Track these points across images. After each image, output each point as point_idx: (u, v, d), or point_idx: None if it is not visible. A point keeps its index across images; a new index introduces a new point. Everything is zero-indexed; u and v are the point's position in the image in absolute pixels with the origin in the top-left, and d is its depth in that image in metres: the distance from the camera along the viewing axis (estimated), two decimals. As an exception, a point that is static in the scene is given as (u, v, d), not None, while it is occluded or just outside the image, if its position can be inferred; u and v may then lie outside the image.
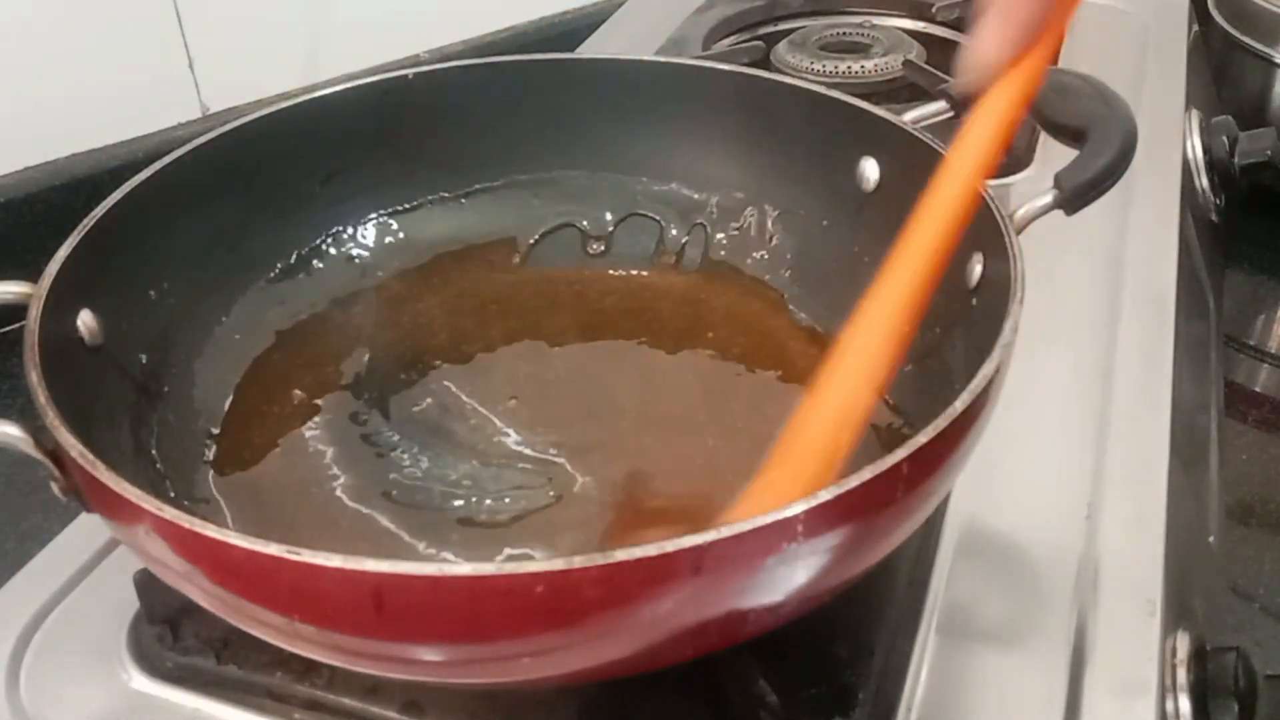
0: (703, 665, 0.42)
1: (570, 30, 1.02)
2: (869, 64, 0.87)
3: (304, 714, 0.44)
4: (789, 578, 0.35)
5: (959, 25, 0.96)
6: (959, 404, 0.37)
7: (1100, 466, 0.54)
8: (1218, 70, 1.00)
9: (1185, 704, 0.44)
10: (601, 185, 0.65)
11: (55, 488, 0.40)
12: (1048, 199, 0.48)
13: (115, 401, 0.48)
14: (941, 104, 0.56)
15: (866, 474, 0.35)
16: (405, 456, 0.52)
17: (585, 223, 0.65)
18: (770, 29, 0.98)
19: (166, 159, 0.54)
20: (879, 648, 0.45)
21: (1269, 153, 0.82)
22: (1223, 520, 0.66)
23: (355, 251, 0.64)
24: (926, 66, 0.84)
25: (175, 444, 0.50)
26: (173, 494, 0.48)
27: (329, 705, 0.44)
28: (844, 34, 0.93)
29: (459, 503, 0.50)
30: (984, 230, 0.47)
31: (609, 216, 0.65)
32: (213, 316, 0.56)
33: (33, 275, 0.45)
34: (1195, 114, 0.84)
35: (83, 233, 0.48)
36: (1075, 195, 0.48)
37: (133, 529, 0.36)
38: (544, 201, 0.65)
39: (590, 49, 0.96)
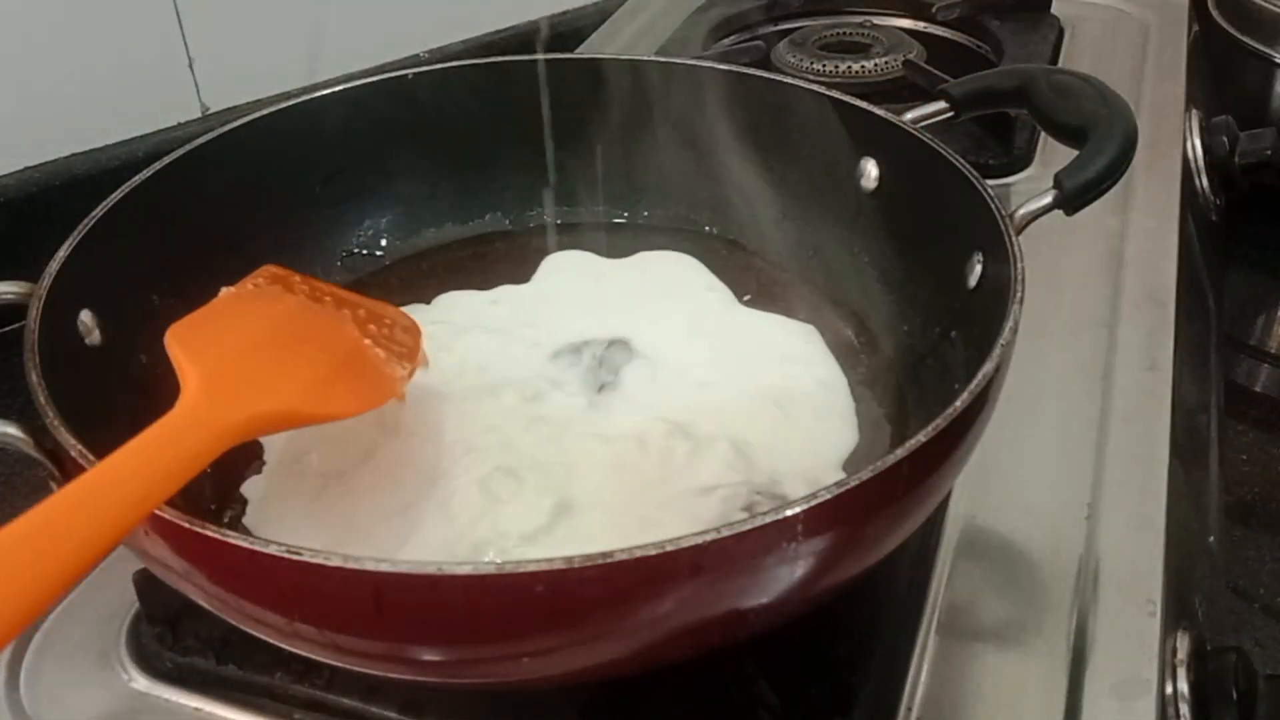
0: (703, 665, 0.42)
1: (570, 30, 1.02)
2: (869, 64, 0.87)
3: (304, 714, 0.44)
4: (789, 577, 0.35)
5: (959, 25, 0.96)
6: (959, 404, 0.37)
7: (1100, 466, 0.54)
8: (1218, 70, 1.00)
9: (1185, 704, 0.44)
10: (601, 185, 0.65)
11: (55, 488, 0.40)
12: (1048, 199, 0.48)
13: (115, 401, 0.48)
14: (941, 104, 0.56)
15: (866, 474, 0.35)
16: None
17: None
18: (770, 29, 0.98)
19: (166, 159, 0.54)
20: (879, 648, 0.45)
21: (1269, 153, 0.82)
22: (1223, 520, 0.66)
23: (355, 250, 0.64)
24: (926, 66, 0.84)
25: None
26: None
27: (329, 705, 0.44)
28: (844, 34, 0.93)
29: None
30: (984, 230, 0.47)
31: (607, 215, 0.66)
32: (213, 316, 0.56)
33: (33, 275, 0.45)
34: (1195, 114, 0.84)
35: (83, 233, 0.48)
36: (1075, 195, 0.48)
37: (133, 529, 0.36)
38: (542, 200, 0.65)
39: (590, 49, 0.96)
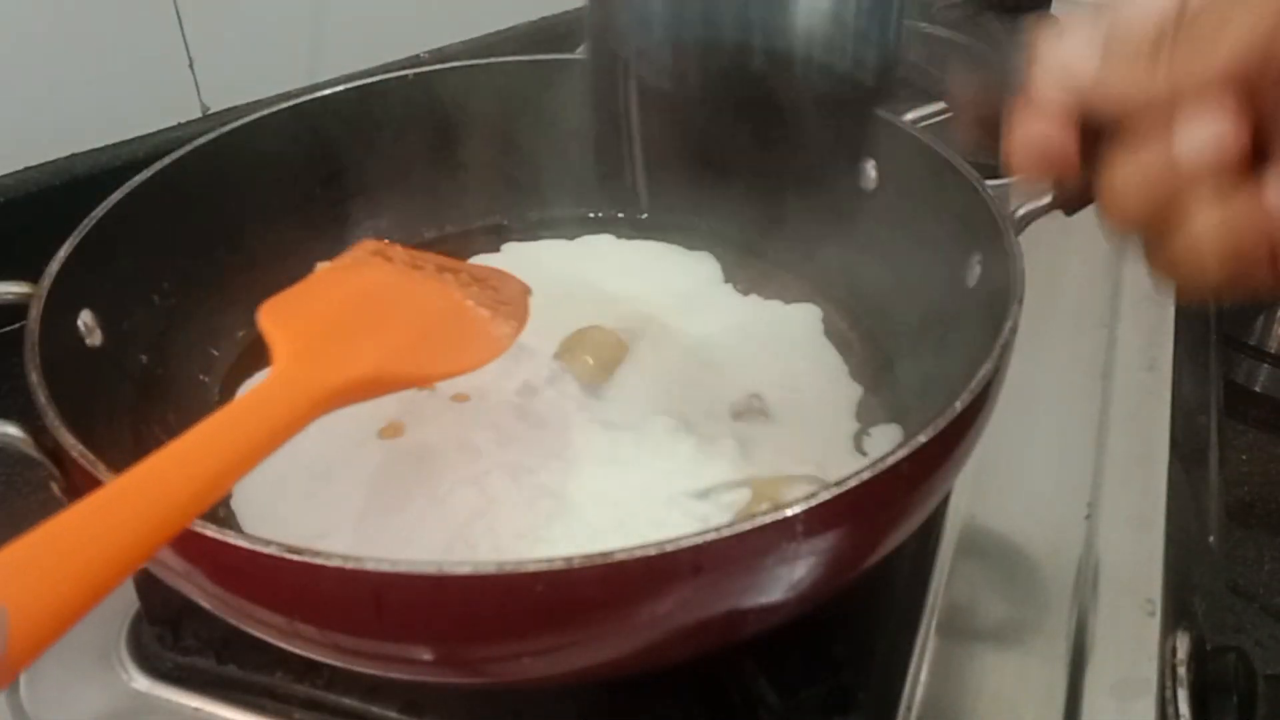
0: (703, 665, 0.42)
1: (570, 30, 1.02)
2: (869, 64, 0.87)
3: (304, 714, 0.44)
4: (788, 577, 0.35)
5: (959, 25, 0.96)
6: (958, 404, 0.37)
7: (1100, 466, 0.54)
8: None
9: (1185, 704, 0.44)
10: (600, 184, 0.65)
11: (55, 488, 0.40)
12: (1047, 199, 0.48)
13: (115, 401, 0.48)
14: (941, 104, 0.55)
15: (866, 474, 0.35)
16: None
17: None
18: (770, 29, 0.98)
19: (166, 159, 0.54)
20: (879, 648, 0.45)
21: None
22: (1223, 520, 0.66)
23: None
24: (926, 66, 0.84)
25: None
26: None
27: (329, 705, 0.44)
28: (844, 34, 0.93)
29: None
30: (984, 230, 0.47)
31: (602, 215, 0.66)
32: (213, 316, 0.56)
33: (33, 275, 0.45)
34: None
35: (83, 233, 0.48)
36: (1075, 195, 0.48)
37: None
38: (540, 199, 0.66)
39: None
